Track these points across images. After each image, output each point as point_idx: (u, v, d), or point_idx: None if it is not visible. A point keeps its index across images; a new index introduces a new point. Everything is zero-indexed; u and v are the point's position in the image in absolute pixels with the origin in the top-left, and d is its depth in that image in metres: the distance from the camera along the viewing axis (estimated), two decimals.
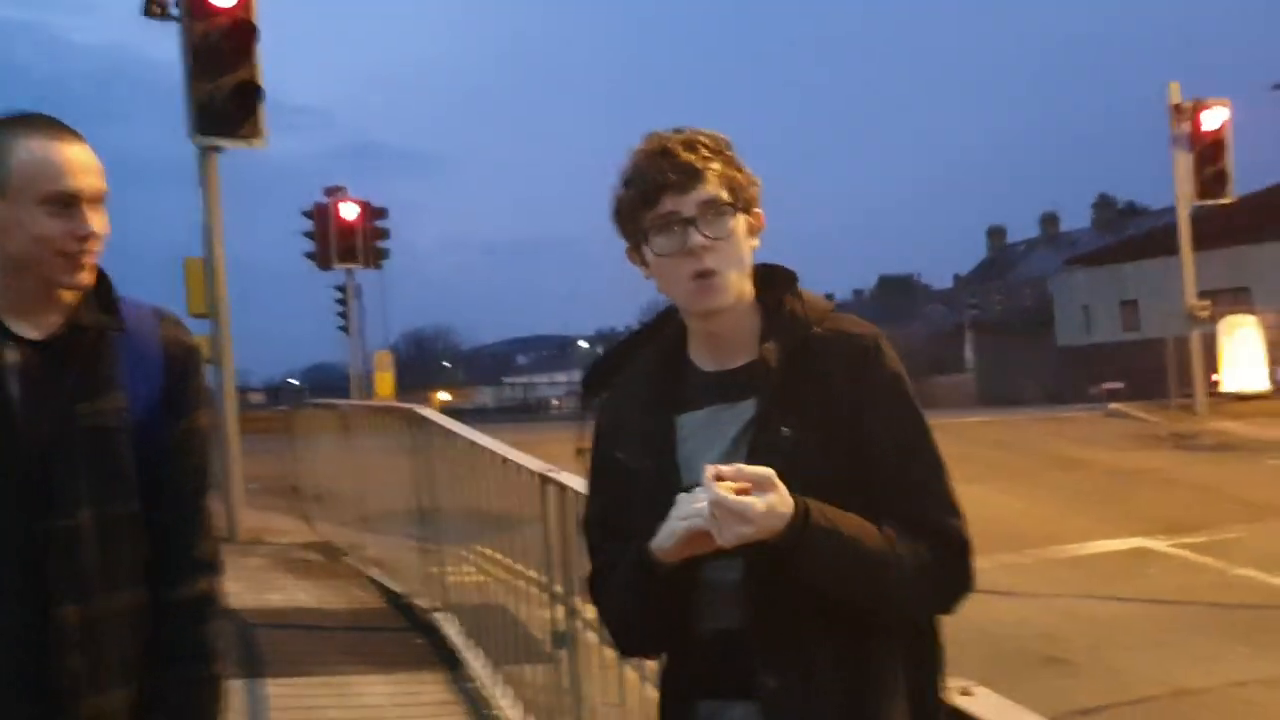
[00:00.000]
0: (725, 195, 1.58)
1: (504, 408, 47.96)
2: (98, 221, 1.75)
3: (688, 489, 1.56)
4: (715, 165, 1.58)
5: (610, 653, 3.83)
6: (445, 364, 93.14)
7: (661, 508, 1.55)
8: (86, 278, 1.76)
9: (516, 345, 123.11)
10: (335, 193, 17.95)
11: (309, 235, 17.88)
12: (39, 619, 1.70)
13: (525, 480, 4.21)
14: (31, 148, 1.71)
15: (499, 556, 5.38)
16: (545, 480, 3.95)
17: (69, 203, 1.72)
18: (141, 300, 1.93)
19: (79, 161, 1.74)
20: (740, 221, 1.60)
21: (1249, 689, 4.94)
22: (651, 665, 3.33)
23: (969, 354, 43.95)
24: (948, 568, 1.53)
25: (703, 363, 1.66)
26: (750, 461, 1.52)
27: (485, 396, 53.99)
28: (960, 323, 54.07)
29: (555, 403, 54.30)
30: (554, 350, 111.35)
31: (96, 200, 1.76)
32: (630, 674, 3.46)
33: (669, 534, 1.50)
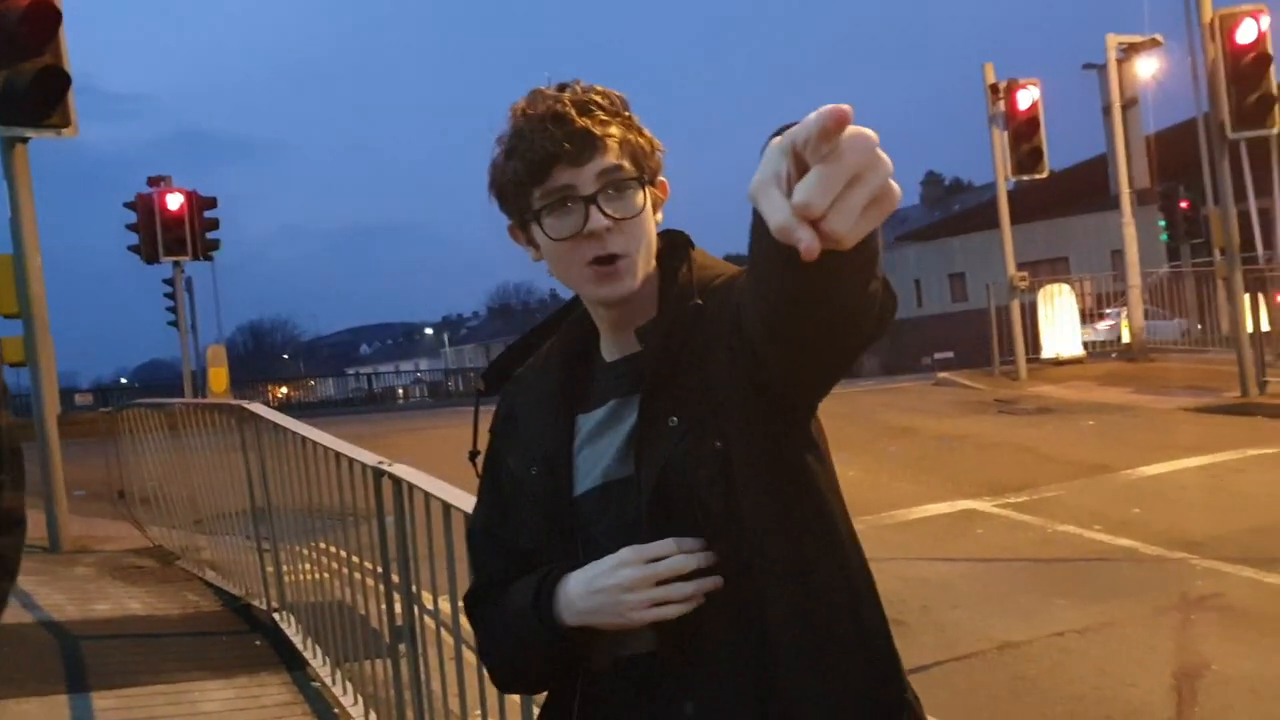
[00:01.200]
0: (628, 166, 1.37)
1: (349, 399, 46.83)
2: None
3: (578, 499, 1.40)
4: (614, 130, 1.37)
5: (450, 640, 3.83)
6: (284, 356, 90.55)
7: (551, 519, 1.40)
8: None
9: (359, 334, 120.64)
10: (159, 182, 17.20)
11: (133, 228, 17.10)
12: None
13: (359, 475, 4.16)
14: None
15: (337, 552, 5.28)
16: (379, 474, 3.90)
17: None
18: None
19: None
20: (645, 195, 1.39)
21: (1066, 638, 5.24)
22: None
23: None
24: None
25: (608, 351, 1.46)
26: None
27: (328, 388, 52.57)
28: None
29: (400, 392, 53.39)
30: (398, 338, 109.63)
31: None
32: (471, 657, 3.45)
33: (598, 609, 1.32)
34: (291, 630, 5.52)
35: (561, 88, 1.39)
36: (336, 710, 4.75)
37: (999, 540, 7.31)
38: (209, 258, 17.92)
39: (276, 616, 5.76)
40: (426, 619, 3.99)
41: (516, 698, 3.32)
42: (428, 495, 3.55)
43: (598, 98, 1.37)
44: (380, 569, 4.19)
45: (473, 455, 1.58)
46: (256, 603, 6.12)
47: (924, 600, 5.98)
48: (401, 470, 3.82)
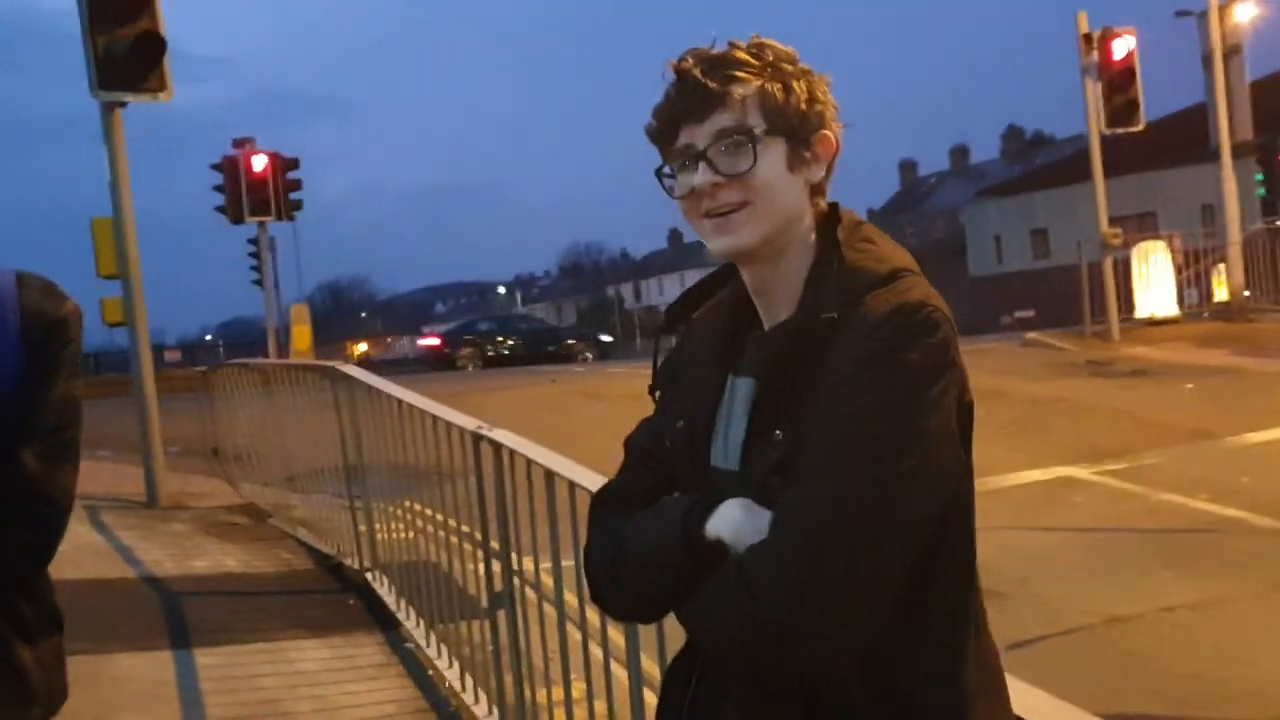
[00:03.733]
0: (755, 120, 1.33)
1: (422, 357, 47.33)
2: None
3: (712, 469, 1.38)
4: (750, 85, 1.33)
5: (551, 610, 3.79)
6: (362, 315, 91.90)
7: (688, 480, 1.39)
8: None
9: (434, 293, 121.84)
10: (244, 144, 17.43)
11: (219, 189, 17.37)
12: None
13: (457, 438, 4.13)
14: None
15: (431, 514, 5.29)
16: (478, 439, 3.87)
17: None
18: (5, 268, 1.78)
19: None
20: (775, 150, 1.33)
21: (1177, 613, 5.07)
22: (595, 622, 3.30)
23: None
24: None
25: (764, 314, 1.42)
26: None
27: (404, 346, 53.14)
28: None
29: None
30: (472, 297, 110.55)
31: None
32: (573, 631, 3.42)
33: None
34: (384, 590, 5.55)
35: (710, 47, 1.38)
36: (431, 672, 4.77)
37: (1099, 509, 7.10)
38: (292, 218, 18.18)
39: (369, 576, 5.80)
40: (523, 583, 3.98)
41: (618, 668, 3.28)
42: (530, 461, 3.51)
43: (740, 54, 1.35)
44: (477, 533, 4.18)
45: (652, 390, 1.56)
46: (348, 562, 6.17)
47: (1023, 571, 5.82)
48: (501, 435, 3.78)
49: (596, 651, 3.29)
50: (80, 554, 6.74)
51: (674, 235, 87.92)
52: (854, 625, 1.21)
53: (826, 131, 1.38)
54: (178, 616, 5.55)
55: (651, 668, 2.99)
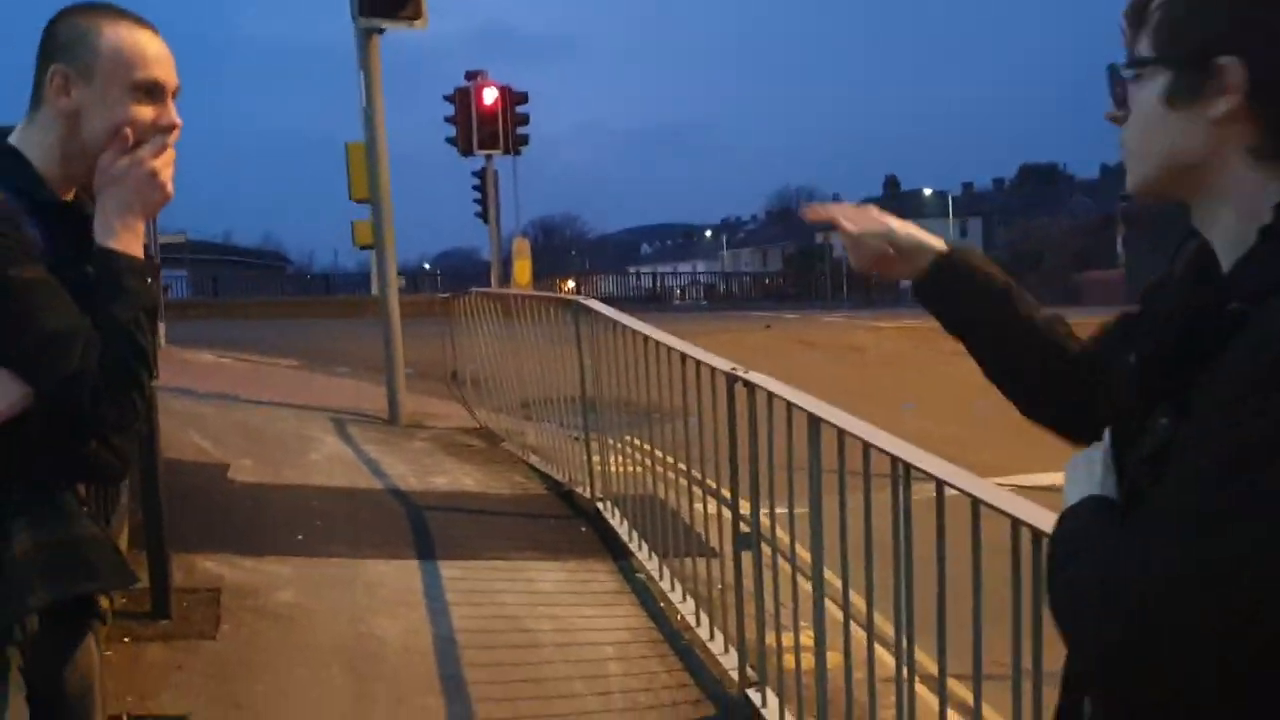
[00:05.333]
0: (1145, 48, 1.12)
1: (629, 297, 47.82)
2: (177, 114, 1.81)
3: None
4: (1167, 6, 1.11)
5: (795, 554, 3.77)
6: (572, 253, 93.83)
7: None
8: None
9: (641, 234, 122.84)
10: (476, 77, 17.79)
11: (451, 120, 17.82)
12: None
13: (707, 378, 4.12)
14: (121, 34, 1.75)
15: (660, 452, 5.35)
16: (733, 380, 3.85)
17: (156, 92, 1.77)
18: None
19: (164, 54, 1.79)
20: (1153, 83, 1.11)
21: None
22: (836, 584, 3.27)
23: (1120, 248, 43.05)
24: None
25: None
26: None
27: (610, 285, 53.73)
28: (1108, 215, 51.87)
29: (678, 293, 54.02)
30: (678, 239, 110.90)
31: (175, 94, 1.82)
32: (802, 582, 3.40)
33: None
34: (615, 521, 5.66)
35: None
36: (663, 605, 4.84)
37: None
38: (518, 152, 18.49)
39: (600, 506, 5.93)
40: (771, 529, 3.98)
41: (836, 616, 3.23)
42: (790, 405, 3.48)
43: None
44: (708, 474, 4.20)
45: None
46: (579, 490, 6.32)
47: None
48: (758, 378, 3.76)
49: (837, 612, 3.24)
50: (331, 463, 7.19)
51: (889, 181, 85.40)
52: (1176, 687, 0.99)
53: (1227, 59, 1.04)
54: (422, 528, 5.83)
55: (930, 665, 2.92)
